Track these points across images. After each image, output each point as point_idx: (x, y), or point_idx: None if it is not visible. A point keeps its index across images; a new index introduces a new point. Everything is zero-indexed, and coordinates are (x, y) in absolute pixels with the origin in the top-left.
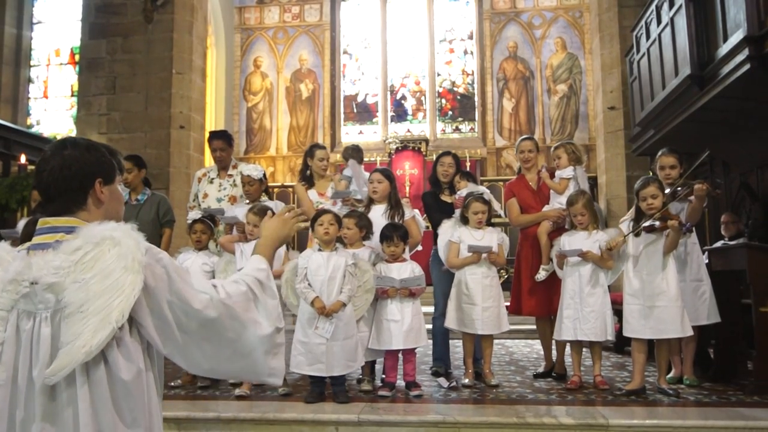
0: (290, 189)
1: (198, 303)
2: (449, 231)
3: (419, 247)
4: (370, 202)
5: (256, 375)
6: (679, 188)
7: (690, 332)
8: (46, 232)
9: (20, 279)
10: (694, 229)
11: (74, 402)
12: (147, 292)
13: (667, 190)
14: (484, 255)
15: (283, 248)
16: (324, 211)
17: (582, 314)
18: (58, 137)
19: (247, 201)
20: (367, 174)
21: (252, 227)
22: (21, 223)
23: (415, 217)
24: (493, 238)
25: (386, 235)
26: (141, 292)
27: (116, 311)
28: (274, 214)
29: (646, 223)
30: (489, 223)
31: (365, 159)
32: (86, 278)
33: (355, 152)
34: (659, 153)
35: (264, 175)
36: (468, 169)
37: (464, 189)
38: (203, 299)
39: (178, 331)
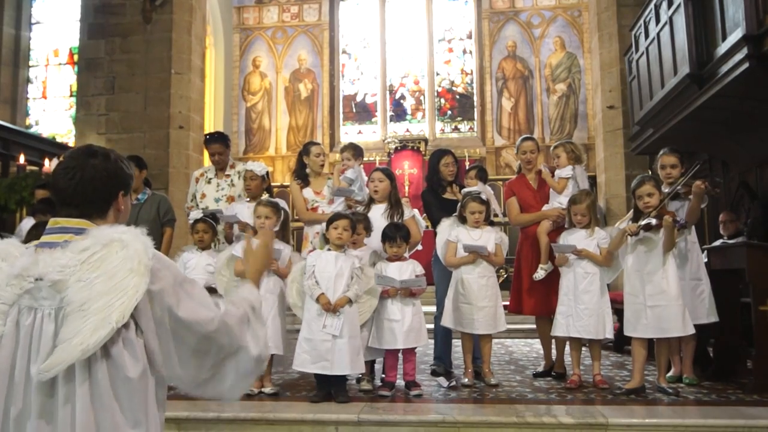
0: (289, 189)
1: (200, 316)
2: (447, 230)
3: (419, 247)
4: (370, 201)
5: (219, 393)
6: (678, 188)
7: (692, 331)
8: (56, 232)
9: (25, 275)
10: (693, 227)
11: (72, 400)
12: (151, 296)
13: (667, 189)
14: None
15: (289, 251)
16: (341, 216)
17: (575, 311)
18: (57, 137)
19: (248, 198)
20: (365, 177)
21: (264, 219)
22: (24, 223)
23: (414, 216)
24: (490, 238)
25: (389, 236)
26: (145, 296)
27: (117, 312)
28: (279, 209)
29: (644, 222)
30: (490, 223)
31: (364, 159)
32: (91, 278)
33: (357, 150)
34: (660, 152)
35: (267, 173)
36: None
37: (474, 187)
38: (205, 314)
39: (173, 340)
